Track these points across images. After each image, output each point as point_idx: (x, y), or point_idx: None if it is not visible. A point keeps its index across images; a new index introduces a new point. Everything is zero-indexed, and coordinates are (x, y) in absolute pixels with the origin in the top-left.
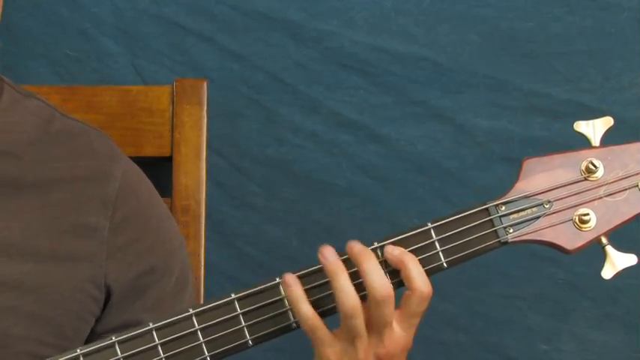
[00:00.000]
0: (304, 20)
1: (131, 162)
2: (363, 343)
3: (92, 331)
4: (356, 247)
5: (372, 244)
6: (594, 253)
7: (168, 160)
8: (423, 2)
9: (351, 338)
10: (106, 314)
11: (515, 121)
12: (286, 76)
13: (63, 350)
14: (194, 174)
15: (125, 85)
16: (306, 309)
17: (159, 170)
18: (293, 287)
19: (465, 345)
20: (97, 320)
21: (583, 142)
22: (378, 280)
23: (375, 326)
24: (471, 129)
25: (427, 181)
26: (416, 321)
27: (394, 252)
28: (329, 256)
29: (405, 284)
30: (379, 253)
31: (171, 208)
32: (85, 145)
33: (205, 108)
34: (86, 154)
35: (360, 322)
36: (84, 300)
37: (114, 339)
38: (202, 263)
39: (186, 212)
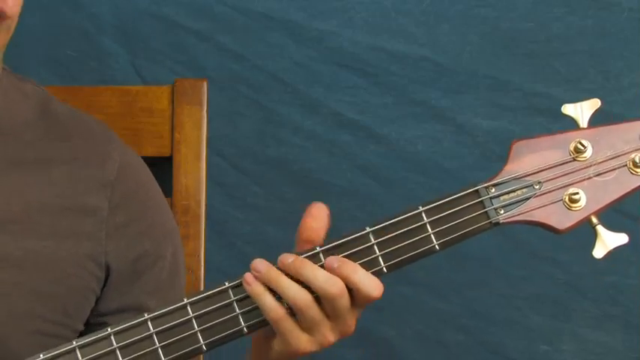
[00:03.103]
0: (304, 20)
1: (129, 147)
2: (326, 325)
3: (94, 313)
4: (288, 259)
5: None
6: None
7: (169, 160)
8: (423, 2)
9: (312, 326)
10: (106, 295)
11: (515, 121)
12: (286, 76)
13: (65, 327)
14: (194, 174)
15: (125, 85)
16: (268, 301)
17: (159, 170)
18: (252, 285)
19: (465, 345)
20: (98, 301)
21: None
22: (325, 281)
23: (337, 314)
24: (471, 129)
25: (427, 181)
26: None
27: (333, 266)
28: (258, 267)
29: (354, 293)
30: (321, 257)
31: (171, 208)
32: (83, 127)
33: (205, 108)
34: (85, 136)
35: (315, 311)
36: (85, 277)
37: (109, 330)
38: (202, 263)
39: (186, 212)
